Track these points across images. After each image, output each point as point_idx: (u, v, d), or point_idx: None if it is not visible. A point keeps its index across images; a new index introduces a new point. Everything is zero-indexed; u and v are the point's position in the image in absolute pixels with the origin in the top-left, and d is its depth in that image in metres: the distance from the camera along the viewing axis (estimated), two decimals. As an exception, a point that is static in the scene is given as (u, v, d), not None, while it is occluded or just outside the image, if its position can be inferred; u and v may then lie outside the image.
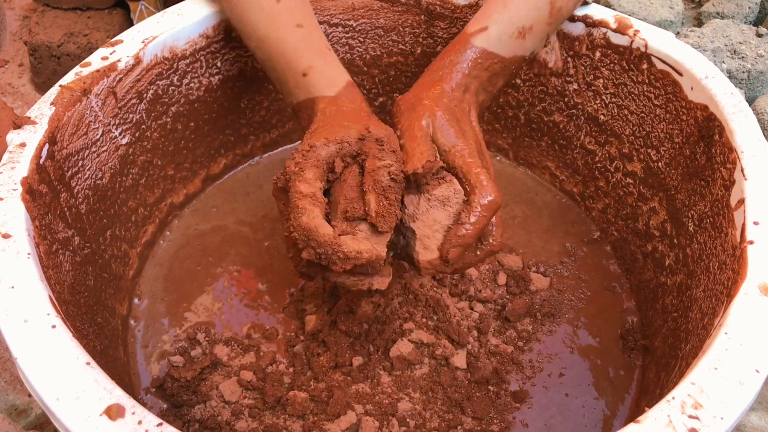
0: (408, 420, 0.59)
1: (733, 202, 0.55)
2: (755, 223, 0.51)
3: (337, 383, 0.61)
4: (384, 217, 0.51)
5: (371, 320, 0.64)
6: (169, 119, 0.71)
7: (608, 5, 0.97)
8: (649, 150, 0.70)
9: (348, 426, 0.58)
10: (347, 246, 0.48)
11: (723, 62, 0.91)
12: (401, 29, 0.79)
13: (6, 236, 0.47)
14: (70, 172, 0.58)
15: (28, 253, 0.47)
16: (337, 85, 0.61)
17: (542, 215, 0.80)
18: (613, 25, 0.69)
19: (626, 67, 0.69)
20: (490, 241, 0.56)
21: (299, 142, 0.86)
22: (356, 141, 0.54)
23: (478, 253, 0.56)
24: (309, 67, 0.61)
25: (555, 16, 0.66)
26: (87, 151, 0.61)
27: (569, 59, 0.73)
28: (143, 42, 0.64)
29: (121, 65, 0.62)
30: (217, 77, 0.73)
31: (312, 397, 0.60)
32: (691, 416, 0.40)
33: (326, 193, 0.54)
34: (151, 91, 0.67)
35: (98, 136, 0.62)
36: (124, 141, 0.66)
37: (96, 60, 0.62)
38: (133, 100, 0.65)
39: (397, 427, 0.58)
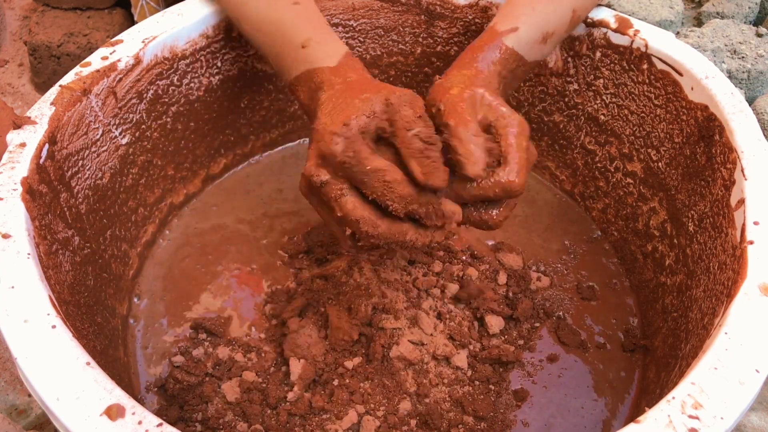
0: (409, 420, 0.59)
1: (733, 202, 0.55)
2: (755, 223, 0.51)
3: (338, 383, 0.61)
4: (432, 173, 0.49)
5: (371, 320, 0.64)
6: (169, 119, 0.71)
7: (608, 5, 0.97)
8: (649, 150, 0.70)
9: (349, 426, 0.58)
10: (447, 205, 0.51)
11: (723, 62, 0.91)
12: (401, 29, 0.79)
13: (6, 236, 0.47)
14: (70, 172, 0.58)
15: (28, 253, 0.47)
16: (337, 54, 0.59)
17: (542, 214, 0.80)
18: (614, 25, 0.69)
19: (626, 67, 0.69)
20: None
21: (299, 141, 0.86)
22: (383, 111, 0.51)
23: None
24: (308, 39, 0.60)
25: (574, 23, 0.66)
26: (87, 151, 0.61)
27: (569, 59, 0.73)
28: (143, 42, 0.64)
29: (121, 65, 0.62)
30: (217, 77, 0.73)
31: (313, 397, 0.60)
32: (691, 416, 0.40)
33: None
34: (151, 91, 0.67)
35: (98, 136, 0.62)
36: (124, 141, 0.66)
37: (96, 60, 0.62)
38: (133, 100, 0.65)
39: (398, 426, 0.58)
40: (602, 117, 0.74)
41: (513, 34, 0.61)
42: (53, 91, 0.58)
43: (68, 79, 0.60)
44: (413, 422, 0.59)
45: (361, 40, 0.80)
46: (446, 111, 0.53)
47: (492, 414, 0.60)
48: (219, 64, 0.73)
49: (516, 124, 0.53)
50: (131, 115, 0.66)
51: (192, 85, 0.71)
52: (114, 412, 0.39)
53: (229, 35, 0.71)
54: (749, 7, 1.03)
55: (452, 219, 0.50)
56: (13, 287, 0.45)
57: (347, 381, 0.61)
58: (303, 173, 0.53)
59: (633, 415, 0.60)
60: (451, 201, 0.51)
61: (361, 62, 0.60)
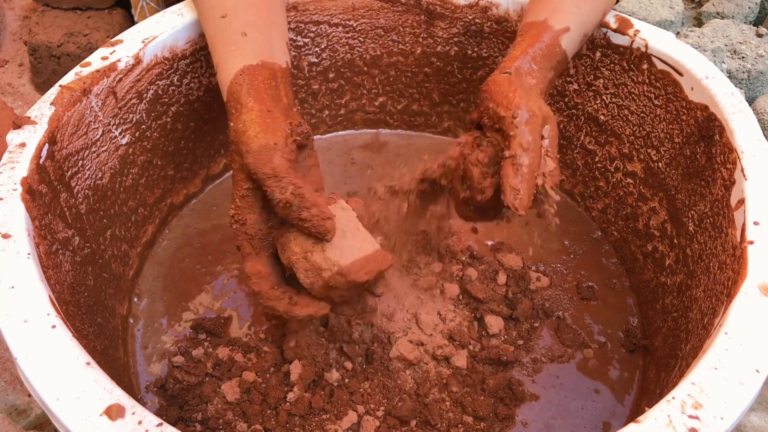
0: (409, 420, 0.59)
1: (733, 202, 0.55)
2: (755, 223, 0.51)
3: (338, 383, 0.61)
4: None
5: (370, 321, 0.64)
6: (169, 119, 0.71)
7: (614, 4, 0.97)
8: (649, 150, 0.70)
9: (349, 426, 0.58)
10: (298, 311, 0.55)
11: (723, 62, 0.91)
12: (401, 29, 0.79)
13: (6, 236, 0.47)
14: (70, 172, 0.58)
15: (28, 253, 0.47)
16: (224, 84, 0.56)
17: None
18: (614, 25, 0.69)
19: (626, 67, 0.69)
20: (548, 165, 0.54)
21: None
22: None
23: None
24: (216, 65, 0.58)
25: (600, 25, 0.67)
26: (87, 151, 0.61)
27: (573, 54, 0.73)
28: (143, 42, 0.64)
29: (121, 65, 0.62)
30: (217, 77, 0.73)
31: (313, 397, 0.60)
32: (691, 416, 0.40)
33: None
34: (151, 91, 0.67)
35: (98, 136, 0.62)
36: (124, 141, 0.66)
37: (96, 60, 0.62)
38: (133, 100, 0.65)
39: (398, 426, 0.58)
40: (602, 117, 0.74)
41: (566, 35, 0.61)
42: (53, 91, 0.58)
43: (68, 79, 0.60)
44: (413, 422, 0.59)
45: (361, 40, 0.80)
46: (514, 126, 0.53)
47: (492, 414, 0.60)
48: (219, 64, 0.73)
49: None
50: (131, 115, 0.66)
51: (192, 85, 0.71)
52: (114, 412, 0.39)
53: (229, 35, 0.71)
54: (749, 7, 1.03)
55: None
56: (13, 287, 0.45)
57: (347, 381, 0.61)
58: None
59: (633, 415, 0.60)
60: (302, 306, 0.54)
61: (261, 87, 0.55)
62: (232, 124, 0.53)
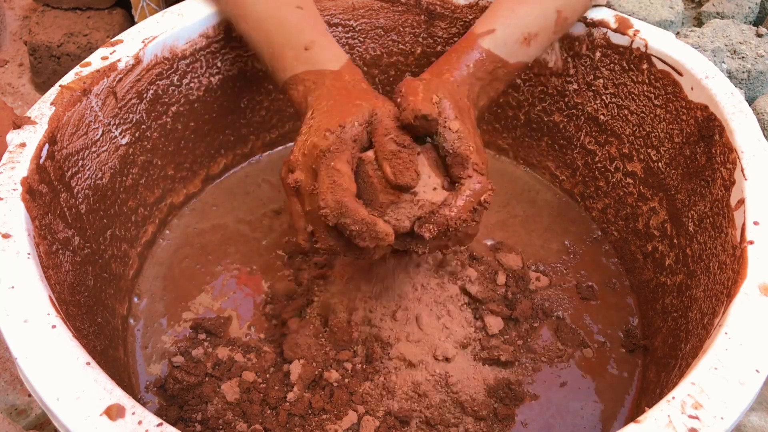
0: (409, 420, 0.59)
1: (733, 202, 0.55)
2: (755, 223, 0.51)
3: (338, 384, 0.61)
4: (402, 172, 0.52)
5: (370, 320, 0.64)
6: (169, 119, 0.71)
7: (608, 5, 0.97)
8: (649, 150, 0.70)
9: (349, 426, 0.58)
10: (380, 226, 0.51)
11: (723, 62, 0.91)
12: (401, 29, 0.79)
13: (6, 236, 0.47)
14: (70, 172, 0.58)
15: (28, 253, 0.47)
16: (340, 60, 0.61)
17: (542, 214, 0.80)
18: (614, 25, 0.69)
19: (626, 67, 0.69)
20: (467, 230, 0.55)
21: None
22: (367, 122, 0.54)
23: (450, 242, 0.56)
24: (312, 42, 0.61)
25: (561, 25, 0.66)
26: (87, 151, 0.61)
27: (569, 59, 0.73)
28: (143, 42, 0.64)
29: (121, 65, 0.62)
30: (217, 77, 0.73)
31: (313, 397, 0.60)
32: (691, 416, 0.40)
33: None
34: (151, 91, 0.67)
35: (98, 136, 0.62)
36: (124, 141, 0.66)
37: (96, 60, 0.62)
38: (133, 100, 0.65)
39: (398, 426, 0.58)
40: (602, 117, 0.74)
41: (489, 35, 0.62)
42: (53, 91, 0.58)
43: (68, 79, 0.60)
44: (413, 422, 0.59)
45: (361, 40, 0.80)
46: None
47: (492, 414, 0.60)
48: (219, 64, 0.73)
49: (466, 133, 0.55)
50: (131, 115, 0.66)
51: (192, 85, 0.71)
52: (114, 412, 0.39)
53: (229, 35, 0.71)
54: (749, 7, 1.03)
55: (385, 240, 0.51)
56: (13, 287, 0.45)
57: (347, 381, 0.61)
58: (287, 161, 0.56)
59: (633, 415, 0.60)
60: (384, 222, 0.52)
61: (360, 71, 0.62)
62: (316, 103, 0.57)
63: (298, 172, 0.54)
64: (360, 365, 0.62)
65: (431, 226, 0.52)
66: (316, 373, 0.61)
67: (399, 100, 0.55)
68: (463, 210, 0.52)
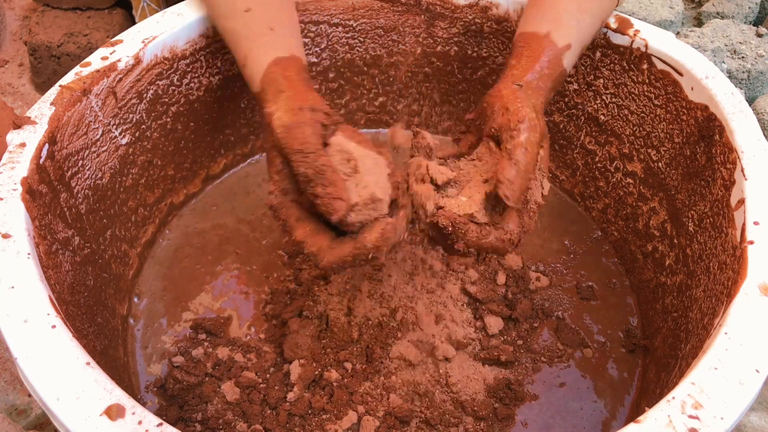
0: (409, 420, 0.59)
1: (733, 202, 0.55)
2: (755, 223, 0.51)
3: (338, 384, 0.61)
4: (330, 202, 0.50)
5: (370, 320, 0.64)
6: (169, 119, 0.71)
7: (611, 15, 0.97)
8: (649, 150, 0.70)
9: (349, 426, 0.58)
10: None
11: (723, 62, 0.91)
12: (401, 29, 0.79)
13: (6, 236, 0.47)
14: (70, 172, 0.58)
15: (28, 253, 0.47)
16: (259, 70, 0.58)
17: (542, 214, 0.79)
18: (614, 25, 0.69)
19: (626, 67, 0.69)
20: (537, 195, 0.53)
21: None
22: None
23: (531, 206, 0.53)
24: (245, 57, 0.61)
25: (599, 33, 0.66)
26: (87, 151, 0.61)
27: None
28: (143, 42, 0.64)
29: (121, 65, 0.62)
30: (217, 77, 0.73)
31: (313, 397, 0.60)
32: (691, 416, 0.40)
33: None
34: (151, 91, 0.67)
35: (98, 136, 0.62)
36: (124, 141, 0.66)
37: (96, 60, 0.62)
38: (133, 100, 0.65)
39: (398, 426, 0.58)
40: (602, 117, 0.74)
41: (569, 52, 0.61)
42: (53, 91, 0.58)
43: (68, 79, 0.60)
44: (413, 422, 0.59)
45: (361, 40, 0.80)
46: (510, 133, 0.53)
47: (492, 414, 0.60)
48: (219, 64, 0.73)
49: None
50: (131, 115, 0.66)
51: (192, 85, 0.71)
52: (114, 412, 0.39)
53: (229, 35, 0.71)
54: (749, 7, 1.03)
55: (388, 242, 0.49)
56: (13, 287, 0.45)
57: (347, 381, 0.61)
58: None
59: (633, 415, 0.60)
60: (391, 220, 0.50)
61: (297, 64, 0.59)
62: (266, 110, 0.55)
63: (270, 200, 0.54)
64: (360, 365, 0.62)
65: (446, 221, 0.51)
66: (316, 373, 0.61)
67: (495, 119, 0.53)
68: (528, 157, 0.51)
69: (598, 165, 0.77)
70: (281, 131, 0.52)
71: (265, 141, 0.55)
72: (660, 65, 0.66)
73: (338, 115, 0.55)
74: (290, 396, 0.59)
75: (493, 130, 0.54)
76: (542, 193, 0.54)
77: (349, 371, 0.62)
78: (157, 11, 0.99)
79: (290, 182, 0.53)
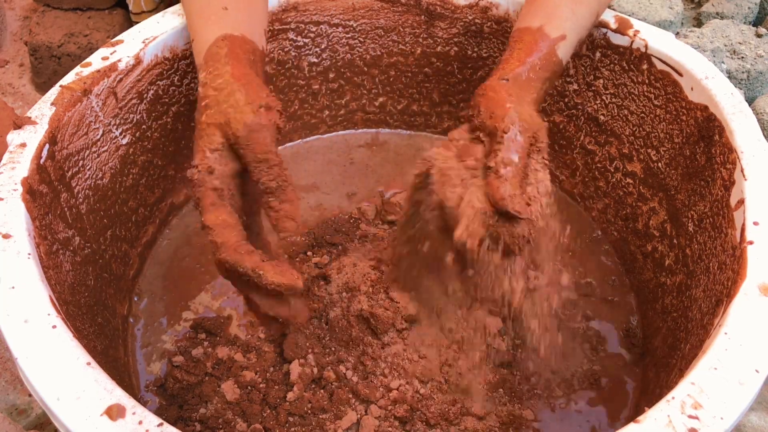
0: (409, 419, 0.59)
1: (732, 202, 0.55)
2: (755, 224, 0.51)
3: (338, 384, 0.61)
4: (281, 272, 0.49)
5: (370, 320, 0.64)
6: (169, 119, 0.71)
7: (608, 5, 0.97)
8: (649, 150, 0.70)
9: (349, 425, 0.58)
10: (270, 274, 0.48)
11: (722, 62, 0.91)
12: (401, 29, 0.80)
13: (6, 236, 0.48)
14: (70, 172, 0.58)
15: (29, 253, 0.47)
16: (205, 44, 0.55)
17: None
18: (613, 26, 0.69)
19: (626, 68, 0.69)
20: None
21: (299, 141, 0.86)
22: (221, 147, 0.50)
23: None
24: (195, 33, 0.58)
25: (594, 26, 0.65)
26: (87, 151, 0.61)
27: (569, 59, 0.73)
28: (144, 42, 0.64)
29: (121, 65, 0.62)
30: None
31: (313, 397, 0.60)
32: (690, 416, 0.40)
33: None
34: (152, 91, 0.67)
35: (99, 136, 0.62)
36: (124, 141, 0.66)
37: (96, 60, 0.62)
38: (134, 100, 0.65)
39: (398, 426, 0.58)
40: (602, 117, 0.74)
41: (563, 43, 0.60)
42: (54, 92, 0.58)
43: (69, 79, 0.60)
44: (413, 422, 0.59)
45: (361, 40, 0.80)
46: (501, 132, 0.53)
47: (492, 414, 0.60)
48: (219, 64, 0.73)
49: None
50: (132, 115, 0.66)
51: (192, 85, 0.71)
52: (114, 412, 0.39)
53: (230, 35, 0.71)
54: (749, 8, 1.03)
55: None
56: (13, 287, 0.45)
57: (347, 381, 0.61)
58: None
59: (633, 415, 0.60)
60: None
61: (241, 55, 0.55)
62: (207, 81, 0.52)
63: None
64: (360, 365, 0.62)
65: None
66: (316, 372, 0.61)
67: (482, 117, 0.53)
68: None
69: (598, 165, 0.77)
70: (243, 131, 0.49)
71: (201, 113, 0.51)
72: (660, 65, 0.66)
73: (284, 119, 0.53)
74: (290, 396, 0.59)
75: (480, 134, 0.55)
76: (545, 187, 0.54)
77: (349, 370, 0.62)
78: (151, 1, 0.99)
79: (219, 166, 0.50)
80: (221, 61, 0.53)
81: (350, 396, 0.60)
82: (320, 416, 0.59)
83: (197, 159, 0.50)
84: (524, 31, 0.61)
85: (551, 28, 0.60)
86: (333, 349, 0.63)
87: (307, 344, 0.63)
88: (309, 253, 0.73)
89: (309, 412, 0.59)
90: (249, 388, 0.61)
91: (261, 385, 0.61)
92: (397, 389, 0.61)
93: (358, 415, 0.59)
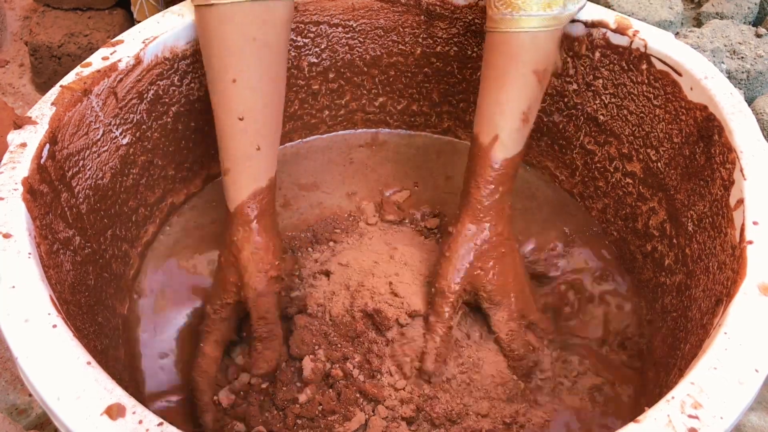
0: (415, 419, 0.59)
1: (732, 202, 0.55)
2: (754, 223, 0.51)
3: (345, 382, 0.60)
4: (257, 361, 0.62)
5: (374, 317, 0.64)
6: (169, 119, 0.71)
7: (608, 5, 0.97)
8: (648, 150, 0.70)
9: (357, 426, 0.58)
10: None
11: (722, 62, 0.91)
12: (401, 29, 0.80)
13: (7, 236, 0.48)
14: (70, 172, 0.58)
15: (29, 253, 0.47)
16: (240, 195, 0.61)
17: (542, 209, 0.80)
18: (613, 26, 0.69)
19: (626, 68, 0.69)
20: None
21: (299, 141, 0.87)
22: (236, 302, 0.62)
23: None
24: (226, 170, 0.62)
25: (543, 80, 0.63)
26: (88, 151, 0.61)
27: (569, 59, 0.73)
28: (144, 42, 0.64)
29: (121, 65, 0.62)
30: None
31: (322, 397, 0.59)
32: (690, 416, 0.40)
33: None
34: (152, 91, 0.67)
35: (99, 136, 0.62)
36: (124, 141, 0.66)
37: (97, 60, 0.62)
38: (134, 100, 0.65)
39: (404, 426, 0.58)
40: (601, 117, 0.74)
41: (497, 144, 0.61)
42: (54, 92, 0.58)
43: (69, 79, 0.60)
44: (420, 422, 0.59)
45: (361, 40, 0.80)
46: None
47: (495, 413, 0.60)
48: (219, 64, 0.73)
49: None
50: (132, 115, 0.66)
51: (192, 85, 0.71)
52: (114, 412, 0.39)
53: (230, 35, 0.71)
54: (749, 8, 1.03)
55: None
56: (13, 287, 0.45)
57: (354, 379, 0.60)
58: None
59: (633, 415, 0.60)
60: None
61: (266, 205, 0.62)
62: (235, 238, 0.61)
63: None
64: (366, 363, 0.61)
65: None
66: (325, 370, 0.61)
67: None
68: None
69: (598, 165, 0.77)
70: (253, 295, 0.60)
71: (225, 260, 0.62)
72: (659, 65, 0.66)
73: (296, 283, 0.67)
74: (299, 397, 0.59)
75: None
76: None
77: (356, 369, 0.61)
78: (155, 7, 0.99)
79: (228, 312, 0.62)
80: (250, 224, 0.61)
81: (358, 395, 0.59)
82: (328, 418, 0.58)
83: (216, 305, 0.62)
84: (470, 153, 0.64)
85: (483, 134, 0.62)
86: (339, 345, 0.62)
87: (314, 340, 0.62)
88: (309, 248, 0.73)
89: (317, 412, 0.59)
90: (256, 388, 0.60)
91: (263, 386, 0.61)
92: (404, 388, 0.61)
93: (367, 416, 0.58)
